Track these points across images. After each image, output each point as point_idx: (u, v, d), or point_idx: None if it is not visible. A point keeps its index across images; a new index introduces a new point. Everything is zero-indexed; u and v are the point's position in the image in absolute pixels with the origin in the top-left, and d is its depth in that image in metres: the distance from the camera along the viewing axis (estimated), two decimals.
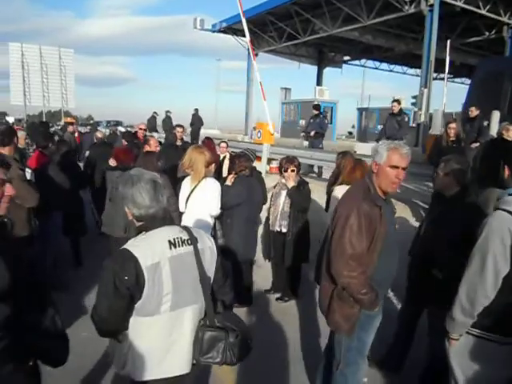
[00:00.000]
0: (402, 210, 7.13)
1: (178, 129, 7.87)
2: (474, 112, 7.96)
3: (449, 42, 13.74)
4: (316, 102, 13.29)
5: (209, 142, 7.61)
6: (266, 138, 11.11)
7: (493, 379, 2.19)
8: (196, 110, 18.14)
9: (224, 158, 7.43)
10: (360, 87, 54.06)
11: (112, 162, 5.25)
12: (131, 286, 1.80)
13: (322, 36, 19.23)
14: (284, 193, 4.78)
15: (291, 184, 4.69)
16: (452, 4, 14.72)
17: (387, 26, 18.15)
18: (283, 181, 4.85)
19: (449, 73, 15.25)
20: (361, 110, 25.67)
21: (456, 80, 27.50)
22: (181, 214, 4.37)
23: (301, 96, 23.56)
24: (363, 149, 11.20)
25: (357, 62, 26.00)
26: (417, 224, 5.74)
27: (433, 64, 15.04)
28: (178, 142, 7.71)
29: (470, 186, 3.20)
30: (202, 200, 4.23)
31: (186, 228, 2.05)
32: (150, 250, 1.86)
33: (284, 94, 24.49)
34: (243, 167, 4.67)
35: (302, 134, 12.32)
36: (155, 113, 19.27)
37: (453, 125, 6.27)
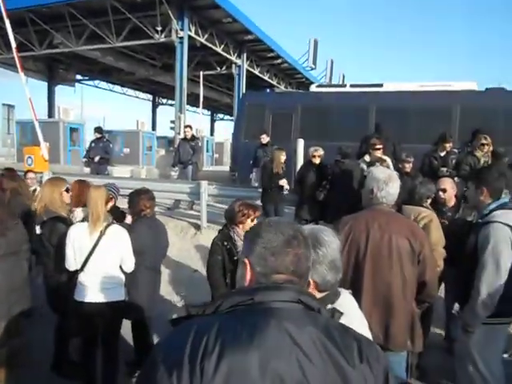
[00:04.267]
0: None
1: None
2: (265, 139, 9.14)
3: (201, 73, 15.11)
4: (97, 125, 12.20)
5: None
6: (39, 164, 9.52)
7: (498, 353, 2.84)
8: None
9: (34, 191, 6.07)
10: (99, 109, 51.42)
11: None
12: None
13: (58, 51, 17.77)
14: None
15: None
16: (194, 38, 16.17)
17: (131, 49, 18.39)
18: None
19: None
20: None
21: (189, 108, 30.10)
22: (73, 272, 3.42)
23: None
24: None
25: (91, 82, 25.08)
26: None
27: (185, 92, 16.12)
28: None
29: None
30: (113, 253, 3.40)
31: None
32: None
33: (7, 112, 21.22)
34: (144, 206, 4.01)
35: (84, 159, 11.09)
36: None
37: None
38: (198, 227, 7.52)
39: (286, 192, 6.68)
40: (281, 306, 1.02)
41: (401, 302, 2.42)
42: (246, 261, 1.13)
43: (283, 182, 6.56)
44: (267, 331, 0.96)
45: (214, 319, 1.01)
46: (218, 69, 20.18)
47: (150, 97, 29.32)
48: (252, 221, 3.22)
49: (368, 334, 1.49)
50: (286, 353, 0.95)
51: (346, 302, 1.56)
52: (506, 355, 3.68)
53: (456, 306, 3.14)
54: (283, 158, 6.74)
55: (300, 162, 7.48)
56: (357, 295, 2.43)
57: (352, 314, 1.52)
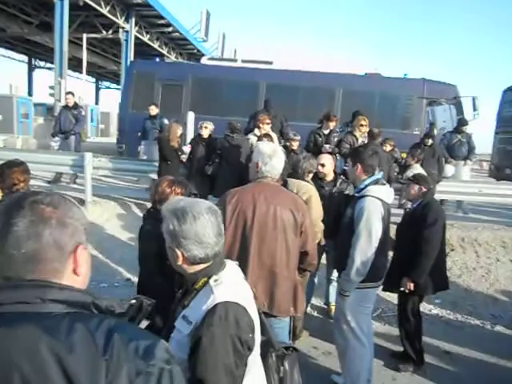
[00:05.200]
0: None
1: None
2: (154, 110, 8.78)
3: (85, 36, 13.94)
4: None
5: None
6: None
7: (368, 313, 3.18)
8: None
9: None
10: None
11: None
12: (252, 344, 1.47)
13: None
14: None
15: None
16: None
17: (2, 1, 16.24)
18: None
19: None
20: None
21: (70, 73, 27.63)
22: None
23: None
24: None
25: None
26: None
27: (66, 55, 14.79)
28: None
29: None
30: None
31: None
32: (242, 293, 1.55)
33: None
34: (17, 180, 3.44)
35: None
36: None
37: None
38: (82, 202, 7.07)
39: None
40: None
41: (284, 271, 2.53)
42: None
43: (186, 149, 6.50)
44: None
45: None
46: (104, 32, 18.76)
47: (26, 58, 26.32)
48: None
49: (249, 306, 1.51)
50: None
51: (229, 274, 1.56)
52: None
53: (335, 273, 3.40)
54: (180, 131, 6.60)
55: (190, 135, 7.38)
56: (244, 266, 2.49)
57: (232, 285, 1.52)
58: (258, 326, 1.57)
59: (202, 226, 1.48)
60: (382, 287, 3.97)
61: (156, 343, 0.89)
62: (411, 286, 3.61)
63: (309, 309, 4.88)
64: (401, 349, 3.97)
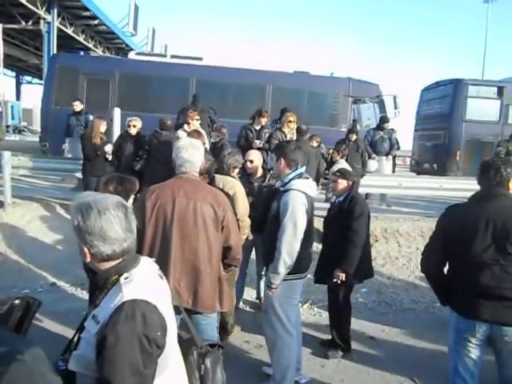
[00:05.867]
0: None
1: None
2: (78, 106, 8.38)
3: (1, 26, 12.97)
4: None
5: None
6: None
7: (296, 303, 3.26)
8: None
9: None
10: None
11: None
12: (162, 343, 1.42)
13: None
14: None
15: None
16: None
17: None
18: None
19: None
20: None
21: None
22: None
23: None
24: None
25: None
26: None
27: None
28: None
29: None
30: None
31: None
32: (154, 291, 1.50)
33: None
34: None
35: None
36: None
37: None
38: (1, 204, 6.61)
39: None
40: None
41: (207, 267, 2.53)
42: None
43: (108, 148, 6.23)
44: None
45: None
46: (23, 23, 17.62)
47: None
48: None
49: (162, 304, 1.46)
50: None
51: (142, 271, 1.52)
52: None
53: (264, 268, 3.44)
54: (103, 127, 6.35)
55: (117, 131, 7.14)
56: (166, 262, 2.45)
57: (143, 283, 1.47)
58: (174, 324, 1.54)
59: (108, 221, 1.43)
60: (314, 280, 4.12)
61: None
62: (343, 276, 3.72)
63: (241, 304, 4.92)
64: (329, 337, 4.11)
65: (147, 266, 1.58)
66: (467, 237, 2.53)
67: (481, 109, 11.07)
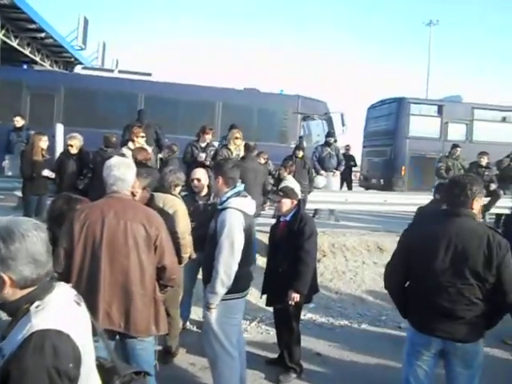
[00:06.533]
0: None
1: None
2: (19, 122, 8.04)
3: None
4: None
5: None
6: None
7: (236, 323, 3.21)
8: None
9: None
10: None
11: None
12: (74, 374, 1.33)
13: None
14: None
15: None
16: None
17: None
18: None
19: None
20: None
21: None
22: None
23: None
24: None
25: None
26: None
27: None
28: None
29: None
30: None
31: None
32: (68, 318, 1.40)
33: None
34: None
35: None
36: None
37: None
38: None
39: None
40: None
41: (139, 288, 2.44)
42: None
43: (46, 173, 5.95)
44: None
45: None
46: None
47: None
48: None
49: (78, 332, 1.37)
50: None
51: (56, 298, 1.43)
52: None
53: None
54: (44, 143, 6.10)
55: (60, 148, 6.91)
56: (95, 284, 2.35)
57: (56, 310, 1.37)
58: (91, 353, 1.46)
59: (32, 243, 1.35)
60: (266, 303, 4.07)
61: None
62: (297, 297, 3.66)
63: (188, 324, 4.81)
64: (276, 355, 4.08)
65: (62, 292, 1.49)
66: (427, 257, 2.56)
67: (423, 126, 11.57)
